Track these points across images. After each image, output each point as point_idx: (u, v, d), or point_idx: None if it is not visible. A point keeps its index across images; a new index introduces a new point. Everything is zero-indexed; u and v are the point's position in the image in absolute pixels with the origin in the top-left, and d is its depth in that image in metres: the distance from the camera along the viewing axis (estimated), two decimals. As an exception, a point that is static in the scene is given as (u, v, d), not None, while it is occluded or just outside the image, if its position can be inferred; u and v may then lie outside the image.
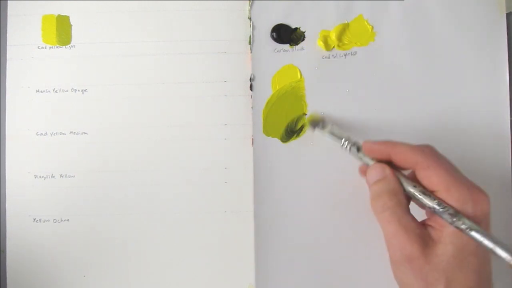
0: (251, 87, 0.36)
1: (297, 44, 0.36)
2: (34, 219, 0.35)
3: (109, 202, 0.35)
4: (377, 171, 0.29)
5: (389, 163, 0.29)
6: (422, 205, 0.28)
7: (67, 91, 0.36)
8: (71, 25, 0.36)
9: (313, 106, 0.35)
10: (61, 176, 0.35)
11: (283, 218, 0.35)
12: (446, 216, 0.26)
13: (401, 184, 0.28)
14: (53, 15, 0.36)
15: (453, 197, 0.26)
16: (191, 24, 0.36)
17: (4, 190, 0.35)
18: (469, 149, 0.35)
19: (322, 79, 0.36)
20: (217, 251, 0.35)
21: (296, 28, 0.36)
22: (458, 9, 0.35)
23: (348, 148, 0.31)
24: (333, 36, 0.36)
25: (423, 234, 0.26)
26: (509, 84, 0.35)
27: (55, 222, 0.35)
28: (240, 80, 0.36)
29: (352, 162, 0.33)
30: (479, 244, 0.25)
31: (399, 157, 0.28)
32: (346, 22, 0.36)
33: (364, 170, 0.31)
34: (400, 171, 0.29)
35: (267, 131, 0.35)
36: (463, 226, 0.25)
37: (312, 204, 0.35)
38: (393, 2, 0.36)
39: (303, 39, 0.36)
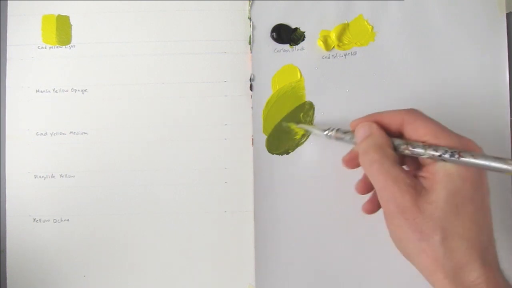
0: (251, 87, 0.36)
1: (297, 44, 0.36)
2: (34, 219, 0.35)
3: (109, 202, 0.35)
4: (364, 129, 0.28)
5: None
6: (412, 162, 0.28)
7: (67, 91, 0.36)
8: (71, 25, 0.36)
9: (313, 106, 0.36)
10: (61, 176, 0.35)
11: (283, 218, 0.35)
12: (440, 150, 0.25)
13: (388, 139, 0.27)
14: (53, 15, 0.36)
15: (442, 144, 0.25)
16: (191, 24, 0.36)
17: (4, 190, 0.35)
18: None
19: (322, 79, 0.36)
20: (217, 251, 0.35)
21: (296, 28, 0.36)
22: (458, 9, 0.35)
23: (332, 134, 0.31)
24: (333, 36, 0.36)
25: (414, 184, 0.25)
26: (509, 84, 0.35)
27: (55, 222, 0.35)
28: (240, 80, 0.36)
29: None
30: (475, 197, 0.24)
31: (386, 120, 0.28)
32: (346, 22, 0.36)
33: (347, 160, 0.30)
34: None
35: (267, 131, 0.35)
36: (456, 155, 0.24)
37: (312, 204, 0.35)
38: (393, 2, 0.36)
39: (303, 39, 0.36)
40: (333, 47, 0.36)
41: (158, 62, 0.36)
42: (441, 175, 0.25)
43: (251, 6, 0.36)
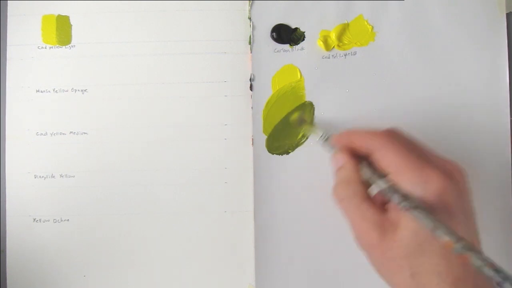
0: (251, 87, 0.36)
1: (297, 44, 0.36)
2: (34, 219, 0.35)
3: (109, 202, 0.35)
4: (336, 159, 0.29)
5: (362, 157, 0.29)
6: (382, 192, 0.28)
7: (67, 91, 0.36)
8: (71, 25, 0.36)
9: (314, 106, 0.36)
10: (61, 176, 0.35)
11: (283, 218, 0.35)
12: (395, 198, 0.25)
13: (358, 175, 0.28)
14: (53, 15, 0.36)
15: (404, 179, 0.25)
16: (191, 24, 0.36)
17: (4, 190, 0.35)
18: (469, 149, 0.35)
19: (322, 79, 0.36)
20: (217, 251, 0.35)
21: (296, 28, 0.36)
22: (458, 9, 0.35)
23: (323, 140, 0.32)
24: (333, 36, 0.36)
25: (381, 221, 0.25)
26: (509, 84, 0.35)
27: (55, 222, 0.35)
28: (240, 80, 0.36)
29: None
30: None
31: (358, 143, 0.28)
32: (346, 22, 0.36)
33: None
34: (365, 159, 0.28)
35: (267, 131, 0.35)
36: (405, 205, 0.24)
37: (312, 204, 0.35)
38: (393, 2, 0.36)
39: (303, 39, 0.36)
40: (333, 47, 0.36)
41: (158, 62, 0.36)
42: (405, 214, 0.25)
43: (251, 6, 0.36)
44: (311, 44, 0.36)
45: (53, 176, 0.35)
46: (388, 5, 0.36)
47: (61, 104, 0.36)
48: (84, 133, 0.36)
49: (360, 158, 0.29)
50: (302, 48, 0.36)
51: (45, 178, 0.35)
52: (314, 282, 0.35)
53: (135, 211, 0.35)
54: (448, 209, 0.25)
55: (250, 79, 0.36)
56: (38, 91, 0.36)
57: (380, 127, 0.35)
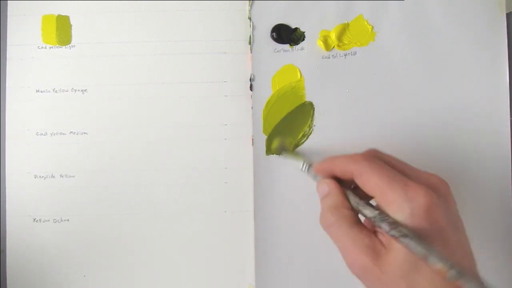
0: (251, 87, 0.36)
1: (297, 44, 0.36)
2: (34, 219, 0.35)
3: (109, 202, 0.35)
4: (322, 187, 0.29)
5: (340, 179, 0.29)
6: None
7: (67, 91, 0.36)
8: (71, 25, 0.36)
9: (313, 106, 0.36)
10: (61, 176, 0.35)
11: (283, 218, 0.35)
12: (383, 226, 0.25)
13: (345, 199, 0.27)
14: (53, 15, 0.36)
15: (389, 200, 0.25)
16: (191, 24, 0.36)
17: (4, 190, 0.35)
18: (469, 149, 0.35)
19: (322, 79, 0.36)
20: (217, 251, 0.35)
21: (296, 28, 0.36)
22: (458, 9, 0.35)
23: (305, 169, 0.32)
24: (333, 36, 0.36)
25: (373, 244, 0.25)
26: (509, 84, 0.35)
27: (55, 222, 0.35)
28: (240, 80, 0.36)
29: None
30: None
31: (339, 170, 0.28)
32: (346, 22, 0.36)
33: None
34: (349, 186, 0.29)
35: (267, 131, 0.35)
36: (395, 234, 0.24)
37: (312, 204, 0.35)
38: (393, 2, 0.36)
39: (303, 39, 0.36)
40: (333, 47, 0.36)
41: (158, 62, 0.36)
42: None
43: (251, 6, 0.36)
44: (311, 44, 0.36)
45: (53, 176, 0.35)
46: (388, 5, 0.36)
47: (61, 104, 0.36)
48: (84, 133, 0.36)
49: (345, 182, 0.29)
50: (302, 48, 0.36)
51: (45, 178, 0.35)
52: (314, 282, 0.35)
53: (135, 211, 0.35)
54: (438, 223, 0.25)
55: (250, 79, 0.36)
56: (38, 91, 0.36)
57: (380, 127, 0.35)
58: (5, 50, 0.36)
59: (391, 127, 0.35)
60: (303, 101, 0.36)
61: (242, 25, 0.36)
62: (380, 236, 0.26)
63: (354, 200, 0.27)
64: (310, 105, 0.35)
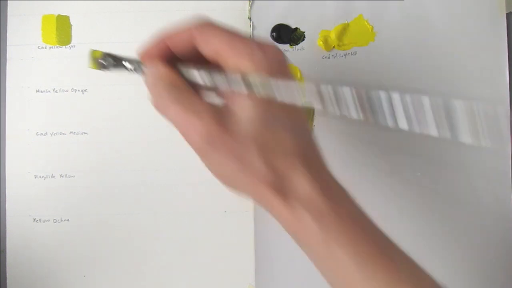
0: (251, 87, 0.36)
1: (297, 44, 0.36)
2: (34, 219, 0.35)
3: (109, 202, 0.35)
4: (151, 72, 0.25)
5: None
6: (213, 87, 0.25)
7: (67, 91, 0.36)
8: (71, 25, 0.36)
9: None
10: (61, 176, 0.35)
11: (283, 218, 0.35)
12: (219, 80, 0.23)
13: (177, 74, 0.24)
14: (53, 15, 0.36)
15: (239, 50, 0.23)
16: (191, 24, 0.36)
17: (4, 190, 0.35)
18: (469, 149, 0.35)
19: (322, 79, 0.36)
20: (217, 251, 0.35)
21: (296, 28, 0.36)
22: (458, 9, 0.35)
23: (133, 68, 0.27)
24: (333, 36, 0.36)
25: (218, 109, 0.23)
26: (509, 84, 0.35)
27: (55, 222, 0.35)
28: (240, 80, 0.36)
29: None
30: (285, 106, 0.23)
31: (176, 42, 0.25)
32: (346, 22, 0.36)
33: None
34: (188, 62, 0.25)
35: (267, 131, 0.35)
36: (234, 81, 0.22)
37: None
38: (393, 2, 0.36)
39: (303, 39, 0.36)
40: (333, 47, 0.36)
41: (158, 62, 0.36)
42: (243, 96, 0.23)
43: (251, 6, 0.36)
44: (311, 44, 0.36)
45: (53, 176, 0.35)
46: (388, 5, 0.36)
47: (61, 104, 0.36)
48: (84, 133, 0.36)
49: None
50: (302, 48, 0.36)
51: (45, 178, 0.35)
52: (314, 282, 0.35)
53: (135, 211, 0.35)
54: (288, 78, 0.24)
55: (250, 79, 0.36)
56: (38, 91, 0.36)
57: (379, 127, 0.35)
58: (5, 50, 0.36)
59: (391, 127, 0.35)
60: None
61: (242, 25, 0.36)
62: (225, 100, 0.24)
63: (184, 68, 0.25)
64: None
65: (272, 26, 0.36)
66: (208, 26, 0.24)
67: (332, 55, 0.36)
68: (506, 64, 0.35)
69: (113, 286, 0.35)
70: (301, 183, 0.22)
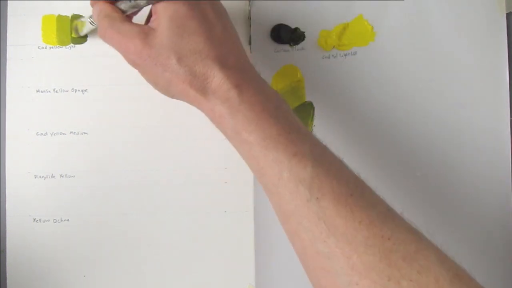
0: (251, 87, 0.36)
1: (297, 44, 0.36)
2: (34, 219, 0.35)
3: (109, 202, 0.35)
4: (95, 8, 0.30)
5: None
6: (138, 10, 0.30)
7: (67, 91, 0.36)
8: (71, 25, 0.36)
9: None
10: (61, 176, 0.35)
11: (283, 218, 0.35)
12: None
13: (112, 6, 0.29)
14: (53, 15, 0.36)
15: None
16: (191, 24, 0.36)
17: (4, 190, 0.35)
18: (469, 149, 0.35)
19: (322, 79, 0.36)
20: (217, 251, 0.35)
21: (296, 28, 0.36)
22: (458, 9, 0.35)
23: (91, 20, 0.33)
24: (333, 36, 0.36)
25: (141, 29, 0.27)
26: (509, 84, 0.35)
27: (55, 222, 0.35)
28: (240, 80, 0.36)
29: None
30: (198, 10, 0.27)
31: None
32: (346, 22, 0.36)
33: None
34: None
35: (267, 131, 0.35)
36: None
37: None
38: (393, 2, 0.36)
39: (303, 39, 0.36)
40: (333, 47, 0.36)
41: (158, 62, 0.36)
42: (161, 8, 0.27)
43: (251, 6, 0.36)
44: (311, 44, 0.36)
45: (53, 176, 0.35)
46: (388, 5, 0.36)
47: (61, 104, 0.36)
48: (84, 133, 0.36)
49: None
50: (302, 48, 0.36)
51: (45, 178, 0.35)
52: (314, 282, 0.35)
53: (135, 211, 0.35)
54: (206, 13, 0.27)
55: (250, 79, 0.36)
56: (38, 91, 0.36)
57: (380, 127, 0.35)
58: (5, 50, 0.36)
59: (391, 127, 0.35)
60: (303, 101, 0.36)
61: (242, 25, 0.36)
62: (151, 25, 0.28)
63: (120, 4, 0.29)
64: (310, 105, 0.35)
65: (272, 26, 0.36)
66: None
67: (332, 55, 0.36)
68: (506, 64, 0.35)
69: (113, 286, 0.35)
70: (216, 81, 0.26)
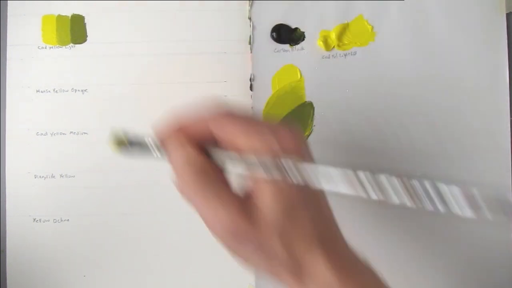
0: (251, 87, 0.36)
1: (297, 44, 0.36)
2: (34, 219, 0.35)
3: (109, 202, 0.35)
4: (176, 149, 0.24)
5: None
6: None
7: (67, 91, 0.36)
8: (71, 25, 0.36)
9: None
10: (61, 176, 0.35)
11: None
12: (269, 168, 0.22)
13: (205, 158, 0.24)
14: (53, 15, 0.36)
15: (255, 138, 0.23)
16: (191, 24, 0.36)
17: (4, 190, 0.35)
18: (469, 149, 0.35)
19: (322, 79, 0.36)
20: (217, 251, 0.35)
21: (296, 28, 0.36)
22: (458, 9, 0.35)
23: (157, 153, 0.26)
24: (333, 36, 0.36)
25: (244, 204, 0.23)
26: (509, 84, 0.35)
27: (55, 222, 0.35)
28: (240, 80, 0.36)
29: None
30: (303, 191, 0.23)
31: (192, 128, 0.24)
32: (346, 22, 0.36)
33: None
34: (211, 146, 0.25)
35: (267, 131, 0.35)
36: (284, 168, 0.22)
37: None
38: (393, 2, 0.36)
39: (303, 39, 0.36)
40: (333, 47, 0.36)
41: (158, 62, 0.36)
42: (266, 188, 0.23)
43: (251, 6, 0.36)
44: (311, 44, 0.36)
45: (53, 176, 0.35)
46: (388, 5, 0.36)
47: (61, 104, 0.36)
48: (84, 133, 0.36)
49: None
50: (302, 48, 0.36)
51: (45, 178, 0.35)
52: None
53: (135, 211, 0.35)
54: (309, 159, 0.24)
55: (250, 79, 0.36)
56: (38, 91, 0.36)
57: (380, 127, 0.35)
58: (5, 50, 0.36)
59: (391, 127, 0.35)
60: (303, 101, 0.36)
61: (242, 25, 0.36)
62: (252, 197, 0.23)
63: (216, 151, 0.24)
64: (310, 105, 0.35)
65: (272, 26, 0.36)
66: (223, 115, 0.24)
67: (332, 55, 0.36)
68: (506, 64, 0.35)
69: (113, 286, 0.35)
70: (316, 265, 0.23)
